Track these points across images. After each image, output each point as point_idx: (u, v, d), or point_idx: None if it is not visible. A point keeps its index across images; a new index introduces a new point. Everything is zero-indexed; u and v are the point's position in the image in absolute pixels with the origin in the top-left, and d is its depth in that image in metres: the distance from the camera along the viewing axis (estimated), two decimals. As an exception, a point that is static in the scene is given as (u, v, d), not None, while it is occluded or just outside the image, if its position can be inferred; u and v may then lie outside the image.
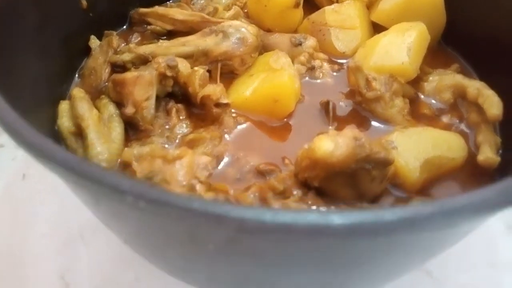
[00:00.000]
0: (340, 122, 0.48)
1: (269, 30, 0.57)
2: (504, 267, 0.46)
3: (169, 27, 0.54)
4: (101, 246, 0.46)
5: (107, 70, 0.51)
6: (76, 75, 0.52)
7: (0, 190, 0.53)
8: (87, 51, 0.54)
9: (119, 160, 0.42)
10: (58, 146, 0.25)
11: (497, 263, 0.47)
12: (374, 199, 0.40)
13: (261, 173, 0.42)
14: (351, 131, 0.37)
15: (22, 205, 0.51)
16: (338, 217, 0.21)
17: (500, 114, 0.43)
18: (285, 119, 0.47)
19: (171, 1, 0.64)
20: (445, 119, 0.48)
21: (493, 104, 0.44)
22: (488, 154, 0.42)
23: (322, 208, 0.37)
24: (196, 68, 0.47)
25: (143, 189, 0.21)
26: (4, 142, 0.58)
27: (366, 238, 0.23)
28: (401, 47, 0.49)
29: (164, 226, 0.25)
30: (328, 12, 0.55)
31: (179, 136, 0.45)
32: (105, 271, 0.45)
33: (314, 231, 0.21)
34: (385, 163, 0.37)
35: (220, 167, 0.42)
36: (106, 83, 0.50)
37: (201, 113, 0.47)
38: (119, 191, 0.21)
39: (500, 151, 0.44)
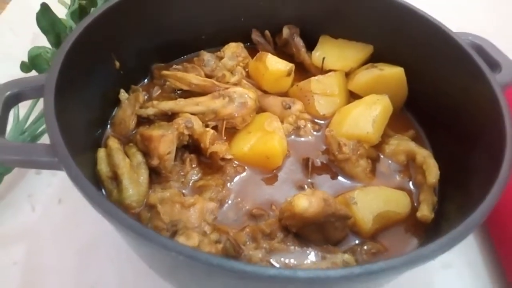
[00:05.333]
0: (316, 173, 0.61)
1: (265, 91, 0.70)
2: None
3: (185, 87, 0.66)
4: (125, 263, 0.59)
5: (134, 121, 0.63)
6: (108, 124, 0.64)
7: (39, 213, 0.64)
8: (116, 102, 0.66)
9: (145, 200, 0.55)
10: (125, 214, 0.37)
11: (431, 291, 0.60)
12: (337, 243, 0.53)
13: (253, 217, 0.55)
14: (322, 193, 0.50)
15: (60, 226, 0.62)
16: (302, 272, 0.34)
17: (435, 182, 0.57)
18: (274, 171, 0.60)
19: (185, 57, 0.77)
20: (398, 177, 0.62)
21: (432, 173, 0.58)
22: (424, 212, 0.55)
23: (297, 249, 0.50)
24: (207, 129, 0.59)
25: (182, 248, 0.34)
26: (41, 170, 0.69)
27: (320, 285, 0.36)
28: (367, 119, 0.62)
29: (190, 267, 0.38)
30: (313, 82, 0.68)
31: (191, 182, 0.58)
32: (128, 283, 0.57)
33: (286, 280, 0.34)
34: (345, 218, 0.51)
35: (222, 209, 0.55)
36: (134, 132, 0.62)
37: (209, 162, 0.60)
38: (167, 249, 0.34)
39: (436, 208, 0.58)
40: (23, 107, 0.70)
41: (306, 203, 0.49)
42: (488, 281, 0.62)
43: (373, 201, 0.55)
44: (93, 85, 0.60)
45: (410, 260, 0.36)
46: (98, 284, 0.57)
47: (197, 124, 0.60)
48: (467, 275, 0.62)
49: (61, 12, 0.78)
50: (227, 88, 0.64)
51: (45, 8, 0.72)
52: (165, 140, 0.56)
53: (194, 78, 0.65)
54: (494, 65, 0.60)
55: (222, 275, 0.35)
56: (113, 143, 0.58)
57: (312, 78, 0.69)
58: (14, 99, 0.49)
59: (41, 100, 0.71)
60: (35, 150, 0.44)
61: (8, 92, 0.49)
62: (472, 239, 0.66)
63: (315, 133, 0.66)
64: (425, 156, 0.60)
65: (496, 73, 0.59)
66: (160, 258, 0.43)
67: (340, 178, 0.61)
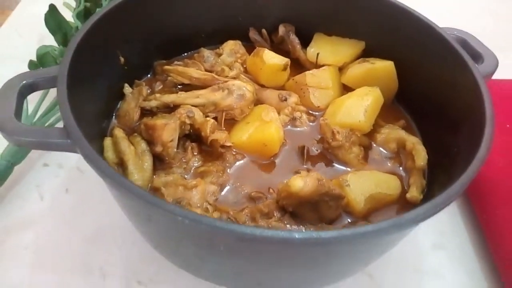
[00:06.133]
0: (312, 160, 0.64)
1: (262, 85, 0.73)
2: (425, 273, 0.63)
3: (186, 81, 0.70)
4: (130, 246, 0.62)
5: (137, 113, 0.66)
6: (114, 116, 0.68)
7: (47, 202, 0.67)
8: (121, 96, 0.69)
9: (149, 185, 0.58)
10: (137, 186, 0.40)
11: (421, 270, 0.63)
12: (331, 222, 0.56)
13: (252, 199, 0.58)
14: (316, 174, 0.54)
15: (67, 215, 0.65)
16: (297, 234, 0.37)
17: (423, 164, 0.60)
18: (272, 158, 0.63)
19: (186, 54, 0.80)
20: (389, 164, 0.65)
21: (420, 156, 0.61)
22: (413, 193, 0.59)
23: (293, 227, 0.54)
24: (208, 119, 0.63)
25: (188, 213, 0.37)
26: (49, 162, 0.73)
27: (313, 247, 0.39)
28: (359, 109, 0.65)
29: (193, 236, 0.41)
30: (308, 75, 0.72)
31: (193, 168, 0.61)
32: (133, 265, 0.60)
33: (283, 241, 0.37)
34: (338, 197, 0.54)
35: (222, 193, 0.58)
36: (138, 123, 0.66)
37: (209, 150, 0.63)
38: (173, 214, 0.37)
39: (425, 191, 0.61)
40: (31, 102, 0.74)
41: (302, 183, 0.52)
42: (476, 261, 0.65)
43: (365, 183, 0.58)
44: (99, 79, 0.64)
45: (396, 223, 0.39)
46: (105, 267, 0.60)
47: (198, 114, 0.63)
48: (457, 257, 0.66)
49: (66, 15, 0.82)
50: (226, 82, 0.68)
51: (53, 9, 0.76)
52: (168, 128, 0.59)
53: (195, 72, 0.69)
54: (477, 57, 0.64)
55: (223, 239, 0.39)
56: (119, 132, 0.61)
57: (307, 72, 0.72)
58: (28, 88, 0.53)
59: (47, 98, 0.76)
60: (50, 133, 0.47)
61: (24, 82, 0.52)
62: (462, 224, 0.70)
63: (310, 123, 0.69)
64: (414, 142, 0.64)
65: (479, 64, 0.63)
66: (166, 232, 0.46)
67: (334, 165, 0.64)
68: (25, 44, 0.90)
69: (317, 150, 0.66)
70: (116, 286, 0.58)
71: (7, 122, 0.47)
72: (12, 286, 0.57)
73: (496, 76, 0.64)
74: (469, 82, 0.59)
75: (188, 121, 0.62)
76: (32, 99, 0.74)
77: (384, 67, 0.71)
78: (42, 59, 0.75)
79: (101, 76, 0.64)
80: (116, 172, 0.42)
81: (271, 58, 0.71)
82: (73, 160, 0.73)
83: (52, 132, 0.47)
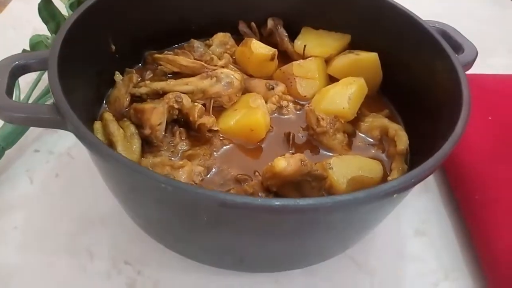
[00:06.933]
0: (297, 148, 0.66)
1: (250, 76, 0.75)
2: (407, 258, 0.65)
3: (175, 69, 0.71)
4: (117, 228, 0.63)
5: (127, 99, 0.68)
6: (104, 102, 0.69)
7: (38, 186, 0.68)
8: (112, 83, 0.71)
9: (137, 166, 0.59)
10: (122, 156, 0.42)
11: (403, 255, 0.65)
12: (314, 202, 0.57)
13: (238, 181, 0.59)
14: (299, 155, 0.55)
15: (56, 198, 0.66)
16: (276, 200, 0.38)
17: (404, 148, 0.62)
18: (258, 143, 0.65)
19: (176, 45, 0.82)
20: (373, 150, 0.67)
21: (401, 141, 0.63)
22: (394, 177, 0.60)
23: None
24: (195, 104, 0.65)
25: (171, 181, 0.38)
26: (39, 148, 0.74)
27: (291, 214, 0.40)
28: (343, 97, 0.67)
29: (176, 206, 0.42)
30: (295, 66, 0.73)
31: (180, 152, 0.62)
32: (119, 246, 0.61)
33: (262, 208, 0.38)
34: (320, 178, 0.56)
35: (209, 175, 0.60)
36: (127, 109, 0.67)
37: (197, 135, 0.64)
38: (156, 181, 0.39)
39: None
40: (23, 92, 0.75)
41: (285, 163, 0.54)
42: (459, 250, 0.67)
43: (348, 166, 0.60)
44: (90, 64, 0.65)
45: (372, 193, 0.41)
46: (92, 248, 0.61)
47: (186, 100, 0.65)
48: (439, 243, 0.67)
49: (59, 8, 0.83)
50: (214, 70, 0.69)
51: (46, -1, 0.77)
52: (156, 112, 0.61)
53: (184, 60, 0.71)
54: (458, 47, 0.67)
55: (205, 207, 0.40)
56: (108, 115, 0.63)
57: (294, 62, 0.74)
58: (20, 69, 0.54)
59: (38, 86, 0.77)
60: (40, 109, 0.49)
61: (16, 62, 0.53)
62: (445, 212, 0.71)
63: (297, 112, 0.71)
64: (396, 129, 0.66)
65: (459, 54, 0.65)
66: (150, 204, 0.47)
67: (320, 152, 0.66)
68: (19, 36, 0.92)
69: (302, 137, 0.67)
70: (103, 266, 0.59)
71: (-2, 98, 0.48)
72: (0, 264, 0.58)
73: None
74: (448, 69, 0.61)
75: (176, 106, 0.63)
76: (23, 89, 0.76)
77: (369, 58, 0.73)
78: (35, 48, 0.76)
79: (92, 62, 0.65)
80: (103, 143, 0.43)
81: (259, 48, 0.73)
82: (64, 147, 0.74)
83: (42, 108, 0.49)
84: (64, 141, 0.75)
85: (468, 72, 0.63)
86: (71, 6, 0.79)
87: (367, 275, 0.62)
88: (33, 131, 0.74)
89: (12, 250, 0.60)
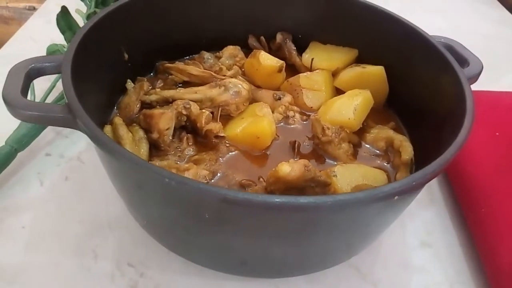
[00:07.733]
0: (303, 157, 0.66)
1: (258, 87, 0.77)
2: (412, 269, 0.64)
3: (185, 79, 0.73)
4: (122, 230, 0.64)
5: (138, 106, 0.69)
6: (115, 107, 0.71)
7: (48, 188, 0.70)
8: (123, 90, 0.73)
9: (144, 169, 0.60)
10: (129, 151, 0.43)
11: (408, 266, 0.64)
12: (317, 209, 0.58)
13: (242, 186, 0.60)
14: (303, 161, 0.56)
15: (65, 200, 0.68)
16: (277, 198, 0.39)
17: (409, 158, 0.63)
18: (263, 151, 0.66)
19: (187, 57, 0.84)
20: (378, 161, 0.67)
21: (406, 151, 0.63)
22: (398, 185, 0.61)
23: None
24: (203, 110, 0.66)
25: (175, 175, 0.39)
26: (51, 152, 0.76)
27: (292, 212, 0.41)
28: (349, 107, 0.68)
29: (179, 202, 0.43)
30: (302, 77, 0.75)
31: (187, 156, 0.64)
32: (125, 249, 0.62)
33: (263, 204, 0.39)
34: (324, 184, 0.56)
35: (214, 179, 0.61)
36: (137, 115, 0.69)
37: (204, 141, 0.66)
38: (160, 175, 0.40)
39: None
40: (37, 98, 0.78)
41: (289, 168, 0.54)
42: (464, 262, 0.66)
43: (352, 174, 0.60)
44: (103, 71, 0.67)
45: (372, 194, 0.41)
46: (97, 249, 0.62)
47: (194, 107, 0.66)
48: (444, 255, 0.66)
49: (77, 20, 0.87)
50: (223, 79, 0.71)
51: (64, 11, 0.81)
52: (165, 117, 0.62)
53: (194, 69, 0.73)
54: (463, 61, 0.68)
55: (208, 203, 0.41)
56: (118, 120, 0.64)
57: (301, 74, 0.76)
58: (36, 72, 0.56)
59: (51, 93, 0.80)
60: (53, 108, 0.50)
61: (32, 65, 0.56)
62: (450, 224, 0.71)
63: (303, 122, 0.72)
64: (401, 140, 0.66)
65: (464, 68, 0.66)
66: (154, 201, 0.48)
67: (325, 161, 0.66)
68: (37, 46, 0.95)
69: (308, 146, 0.68)
70: (107, 267, 0.60)
71: (13, 96, 0.50)
72: (6, 263, 0.59)
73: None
74: (453, 82, 0.62)
75: (184, 112, 0.65)
76: (38, 95, 0.78)
77: (375, 71, 0.74)
78: (51, 56, 0.79)
79: (105, 69, 0.67)
80: (111, 139, 0.45)
81: (267, 59, 0.75)
82: (75, 152, 0.76)
83: (55, 107, 0.50)
84: (75, 146, 0.76)
85: (475, 89, 0.63)
86: (88, 18, 0.82)
87: (371, 285, 0.61)
88: (45, 136, 0.76)
89: (18, 250, 0.61)
